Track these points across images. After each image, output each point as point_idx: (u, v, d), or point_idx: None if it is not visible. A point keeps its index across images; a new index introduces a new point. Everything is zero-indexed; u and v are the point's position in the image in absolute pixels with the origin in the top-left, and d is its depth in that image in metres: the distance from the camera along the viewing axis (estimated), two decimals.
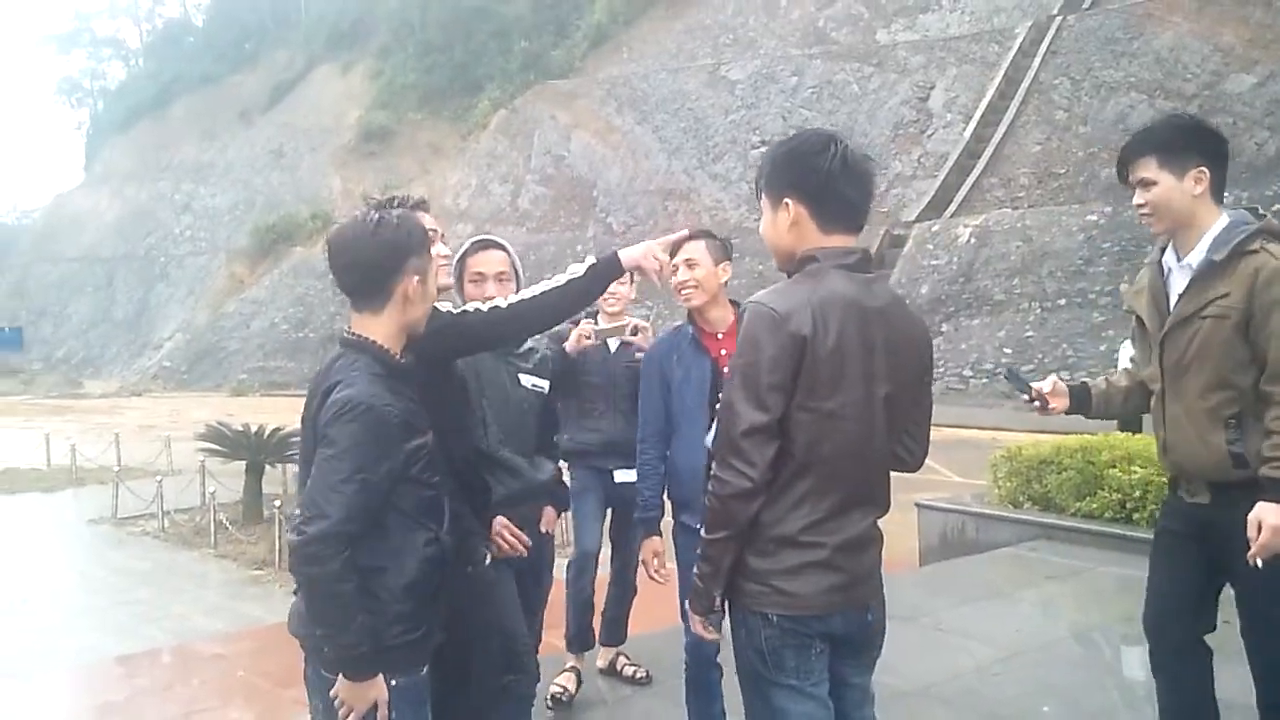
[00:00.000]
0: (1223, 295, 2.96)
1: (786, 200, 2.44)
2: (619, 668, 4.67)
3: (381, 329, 2.49)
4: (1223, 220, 3.03)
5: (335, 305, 27.91)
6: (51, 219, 49.84)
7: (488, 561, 2.98)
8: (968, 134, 23.75)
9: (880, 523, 2.52)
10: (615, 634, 4.72)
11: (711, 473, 2.37)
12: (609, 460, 4.41)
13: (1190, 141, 3.06)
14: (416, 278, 2.49)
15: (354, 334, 2.50)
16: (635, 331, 4.28)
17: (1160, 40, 22.33)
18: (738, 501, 2.32)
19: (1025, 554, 6.75)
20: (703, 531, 2.41)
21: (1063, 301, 18.05)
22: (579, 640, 4.54)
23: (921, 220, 21.86)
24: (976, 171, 22.85)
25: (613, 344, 4.40)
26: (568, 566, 4.48)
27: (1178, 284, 3.12)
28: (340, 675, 2.33)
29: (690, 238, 3.57)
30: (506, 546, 3.18)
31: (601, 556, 4.61)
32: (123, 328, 37.94)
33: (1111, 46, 23.05)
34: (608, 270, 2.85)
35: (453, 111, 36.46)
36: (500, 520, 3.20)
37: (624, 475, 4.29)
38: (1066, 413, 3.38)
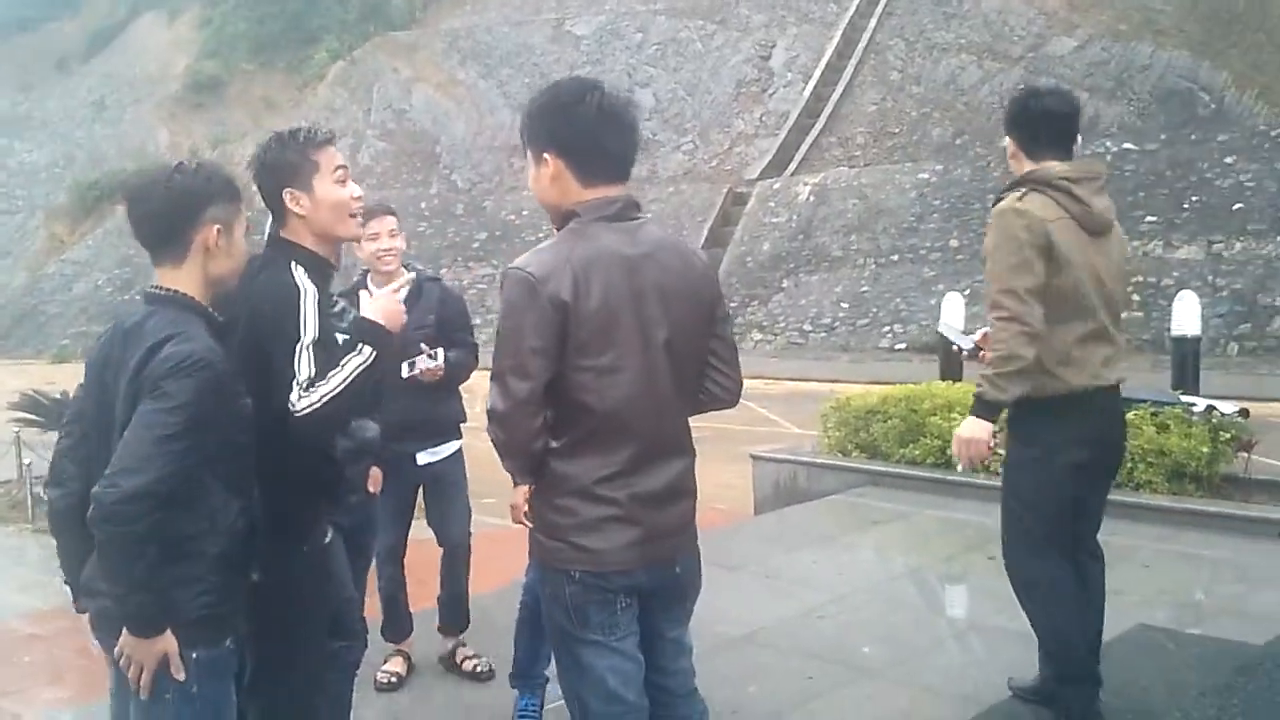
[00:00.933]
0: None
1: (545, 154, 2.42)
2: (459, 660, 4.36)
3: (184, 282, 2.40)
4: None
5: None
6: None
7: (328, 539, 2.87)
8: (807, 93, 24.13)
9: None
10: (454, 617, 4.41)
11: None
12: (409, 443, 4.11)
13: (1005, 117, 3.60)
14: (217, 228, 2.40)
15: (167, 289, 2.40)
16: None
17: (988, 3, 23.08)
18: (509, 464, 2.45)
19: (853, 500, 6.98)
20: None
21: (895, 257, 18.63)
22: (394, 631, 4.32)
23: (764, 178, 22.17)
24: (815, 130, 23.27)
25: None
26: (376, 563, 4.18)
27: None
28: (125, 632, 2.25)
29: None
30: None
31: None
32: None
33: (943, 8, 23.71)
34: (383, 346, 2.66)
35: (287, 63, 35.05)
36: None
37: (427, 456, 4.20)
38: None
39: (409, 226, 25.31)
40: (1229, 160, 16.52)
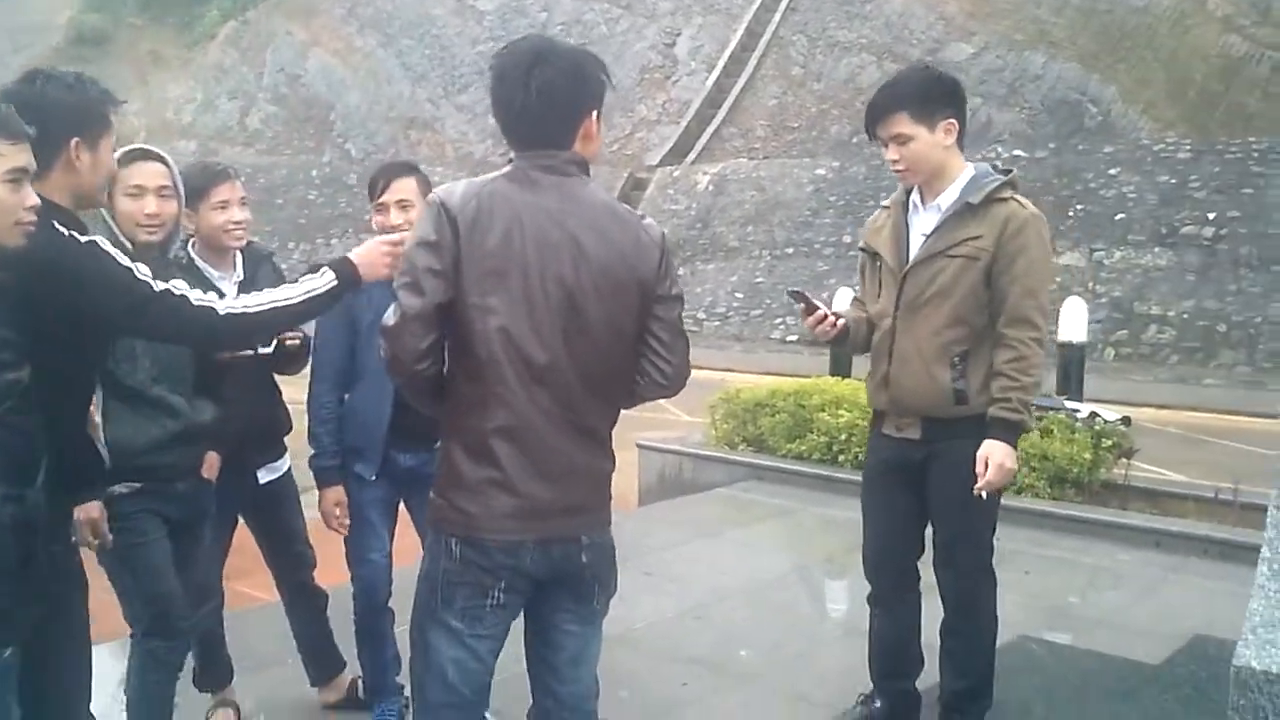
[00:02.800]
0: (975, 237, 3.06)
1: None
2: (360, 693, 3.72)
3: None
4: (970, 170, 3.16)
5: None
6: None
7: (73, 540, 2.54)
8: (710, 83, 24.10)
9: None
10: (331, 663, 3.79)
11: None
12: (253, 456, 3.54)
13: (938, 93, 3.13)
14: (76, 140, 2.28)
15: None
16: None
17: (890, 5, 23.31)
18: (400, 384, 2.41)
19: (738, 494, 6.87)
20: None
21: (790, 250, 18.71)
22: (209, 678, 3.61)
23: (664, 165, 22.08)
24: (717, 121, 23.27)
25: (229, 289, 3.41)
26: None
27: (923, 224, 3.20)
28: None
29: (398, 175, 3.39)
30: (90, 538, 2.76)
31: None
32: None
33: (846, 7, 23.88)
34: (347, 285, 2.50)
35: (177, 19, 33.69)
36: (93, 510, 2.76)
37: (269, 473, 3.59)
38: (834, 344, 3.48)
39: (299, 194, 24.70)
40: (1113, 171, 16.93)
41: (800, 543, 6.07)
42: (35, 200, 2.09)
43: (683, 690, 3.93)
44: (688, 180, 21.06)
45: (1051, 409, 6.49)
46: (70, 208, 2.38)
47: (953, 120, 3.09)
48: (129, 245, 2.96)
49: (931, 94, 3.10)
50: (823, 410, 6.87)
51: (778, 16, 24.60)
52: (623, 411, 2.41)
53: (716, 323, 18.36)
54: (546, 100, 2.23)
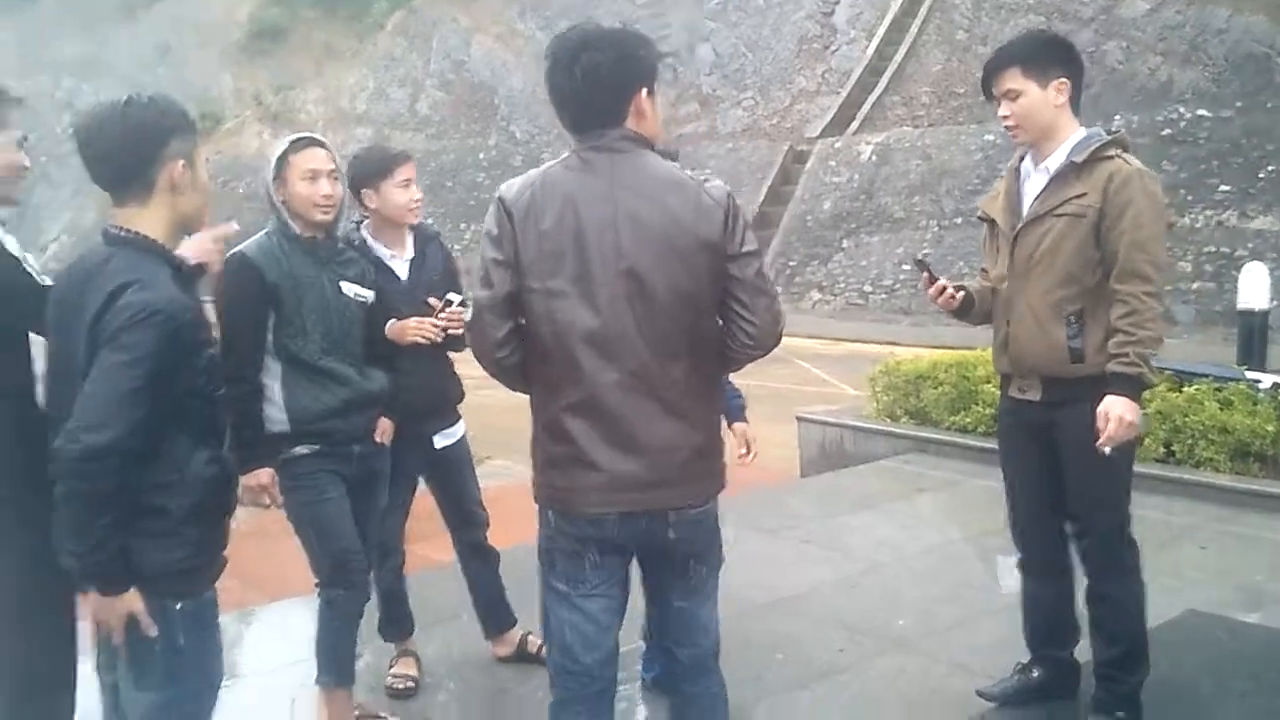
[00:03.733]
0: (1080, 195, 3.09)
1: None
2: (533, 649, 3.90)
3: (150, 223, 2.26)
4: (1080, 131, 3.19)
5: (229, 209, 27.00)
6: None
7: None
8: (870, 51, 23.58)
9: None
10: (503, 618, 3.99)
11: None
12: (428, 422, 3.75)
13: (1052, 53, 3.19)
14: (182, 162, 2.26)
15: (126, 230, 2.25)
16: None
17: None
18: (477, 360, 2.44)
19: (899, 466, 6.81)
20: None
21: (959, 220, 18.18)
22: (391, 630, 3.90)
23: (825, 137, 21.75)
24: (879, 89, 22.74)
25: (401, 268, 3.69)
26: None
27: (1034, 187, 3.26)
28: (93, 590, 2.19)
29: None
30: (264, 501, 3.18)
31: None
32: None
33: None
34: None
35: (349, 10, 34.99)
36: (262, 476, 3.14)
37: (444, 439, 3.82)
38: (957, 315, 3.45)
39: (468, 177, 25.42)
40: None
41: (962, 514, 5.98)
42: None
43: (838, 656, 3.97)
44: (850, 151, 20.71)
45: (1232, 379, 6.19)
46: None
47: (1064, 80, 3.15)
48: (296, 229, 3.23)
49: (1044, 52, 3.18)
50: (987, 382, 6.72)
51: None
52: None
53: (883, 296, 18.02)
54: (592, 82, 2.31)
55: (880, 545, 5.33)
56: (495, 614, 3.99)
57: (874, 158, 20.14)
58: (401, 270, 3.68)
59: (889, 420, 7.29)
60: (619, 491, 2.32)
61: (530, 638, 3.92)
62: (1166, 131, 16.67)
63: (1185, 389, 6.16)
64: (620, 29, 2.42)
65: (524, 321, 2.34)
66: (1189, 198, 15.56)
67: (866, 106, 22.48)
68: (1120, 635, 3.25)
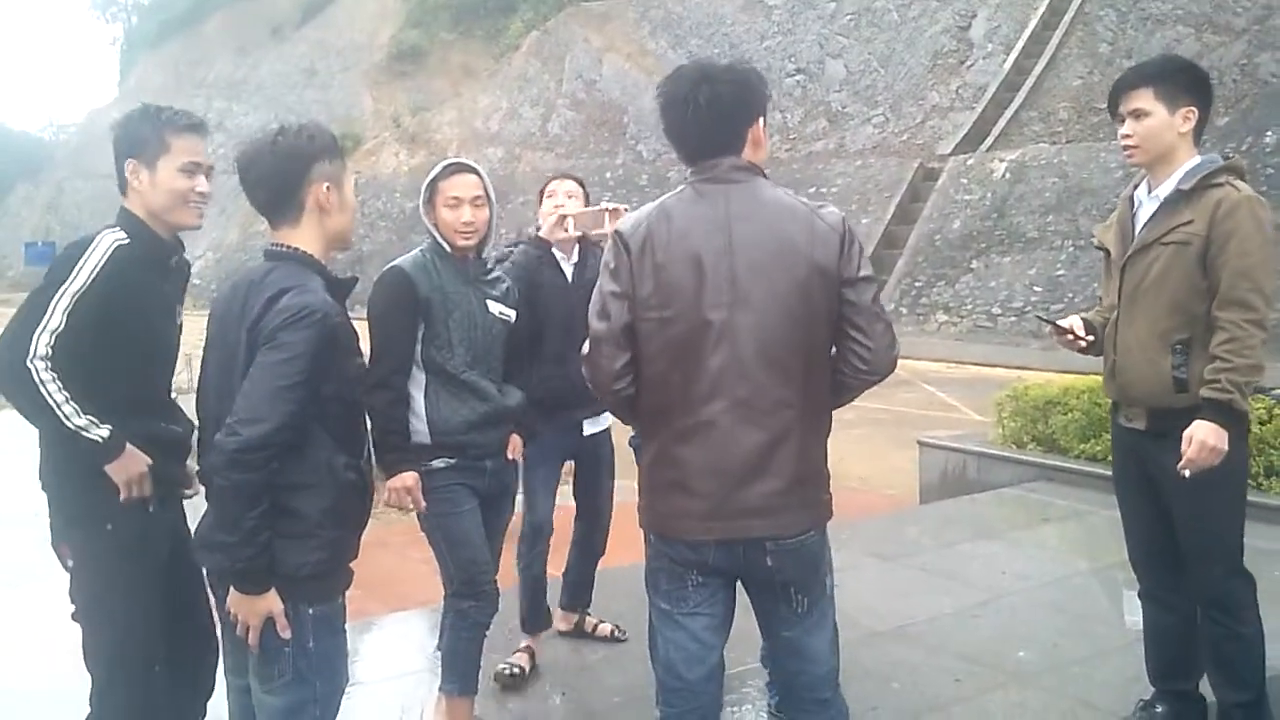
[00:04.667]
0: (1187, 222, 3.06)
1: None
2: (589, 628, 4.33)
3: (303, 240, 2.44)
4: (1196, 159, 3.15)
5: (364, 227, 27.88)
6: (86, 135, 49.87)
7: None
8: (1008, 65, 23.06)
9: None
10: (580, 597, 4.34)
11: None
12: (577, 409, 3.95)
13: (1187, 80, 3.16)
14: (327, 184, 2.44)
15: (285, 246, 2.44)
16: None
17: None
18: (594, 391, 2.50)
19: (1025, 495, 6.64)
20: None
21: (1096, 240, 17.64)
22: (533, 621, 4.10)
23: (957, 154, 21.34)
24: (1015, 104, 22.21)
25: (567, 268, 4.01)
26: (519, 540, 4.03)
27: (1145, 215, 3.23)
28: (233, 589, 2.31)
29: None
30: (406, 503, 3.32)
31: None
32: None
33: None
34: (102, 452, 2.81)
35: (485, 32, 35.93)
36: (407, 479, 3.26)
37: (593, 426, 4.07)
38: (1088, 352, 3.43)
39: (594, 196, 25.74)
40: None
41: (1088, 546, 5.80)
42: (206, 187, 2.69)
43: (955, 686, 3.90)
44: (982, 168, 20.27)
45: None
46: (150, 224, 2.78)
47: (1193, 109, 3.12)
48: (448, 248, 3.39)
49: (1180, 78, 3.15)
50: None
51: None
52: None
53: (1012, 319, 17.56)
54: (715, 110, 2.38)
55: (1002, 575, 5.20)
56: (579, 592, 4.31)
57: (1008, 175, 19.67)
58: (569, 272, 4.02)
59: (1015, 447, 7.11)
60: (718, 519, 2.36)
61: (589, 618, 4.32)
62: None
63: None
64: (736, 64, 2.48)
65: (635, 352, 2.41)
66: None
67: (1002, 122, 21.98)
68: (1239, 679, 3.15)
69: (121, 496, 2.64)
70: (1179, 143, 3.14)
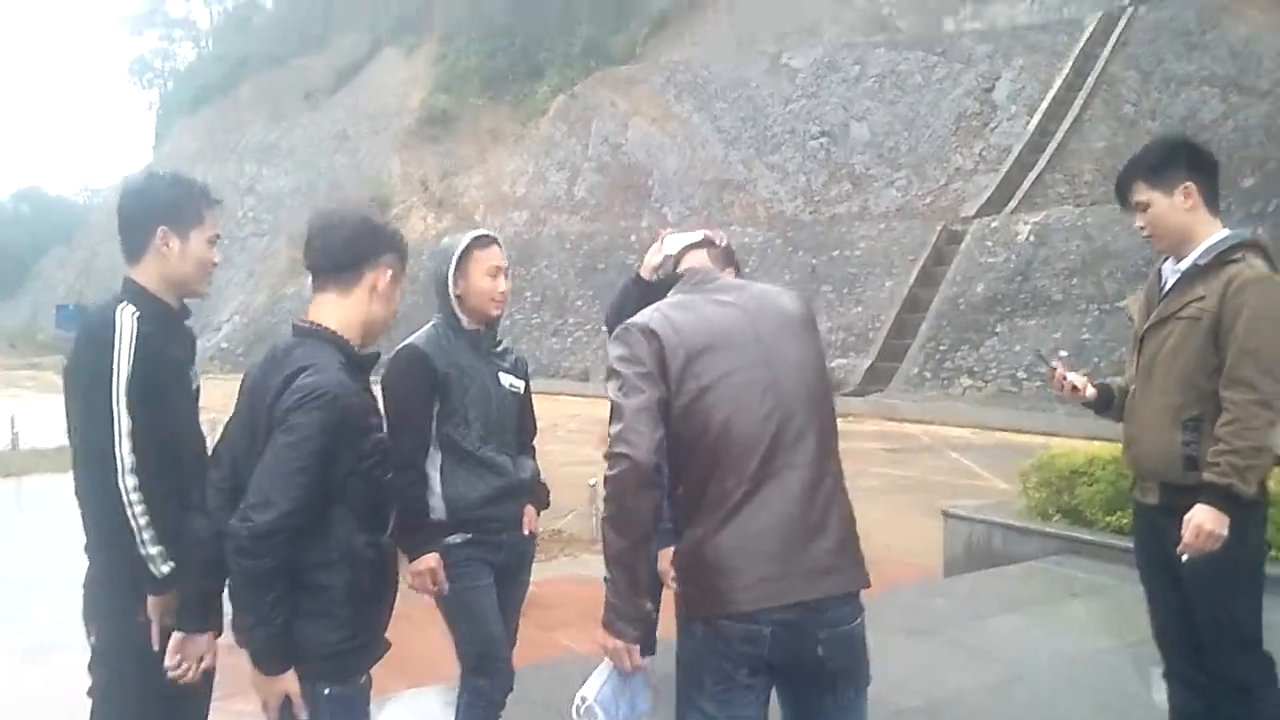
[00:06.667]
0: (1200, 298, 3.08)
1: None
2: None
3: (343, 314, 2.50)
4: (1221, 233, 3.16)
5: None
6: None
7: None
8: (1031, 127, 23.20)
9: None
10: None
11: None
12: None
13: (1173, 159, 3.20)
14: (390, 271, 2.54)
15: (312, 323, 2.50)
16: (710, 242, 3.90)
17: (1235, 33, 21.61)
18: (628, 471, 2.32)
19: (1051, 568, 6.55)
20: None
21: (1121, 304, 17.55)
22: None
23: (981, 216, 21.39)
24: (1039, 166, 22.29)
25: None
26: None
27: (1168, 287, 3.27)
28: (252, 667, 2.32)
29: (692, 246, 3.63)
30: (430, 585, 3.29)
31: None
32: None
33: (1184, 38, 22.36)
34: None
35: (514, 96, 36.45)
36: (430, 560, 3.26)
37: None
38: (1095, 410, 3.49)
39: (618, 259, 25.91)
40: None
41: (1115, 621, 5.70)
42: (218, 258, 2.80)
43: None
44: (1007, 231, 20.29)
45: None
46: (160, 293, 2.83)
47: (1190, 184, 3.14)
48: (465, 321, 3.40)
49: (1167, 160, 3.19)
50: None
51: (1107, 51, 23.34)
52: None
53: (1038, 383, 17.39)
54: None
55: (1029, 651, 5.13)
56: None
57: (1032, 238, 19.68)
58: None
59: (1040, 519, 7.03)
60: (786, 580, 2.29)
61: None
62: None
63: None
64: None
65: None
66: None
67: (1026, 185, 22.05)
68: None
69: (153, 627, 2.69)
70: (1191, 220, 3.15)
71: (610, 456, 2.32)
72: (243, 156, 43.49)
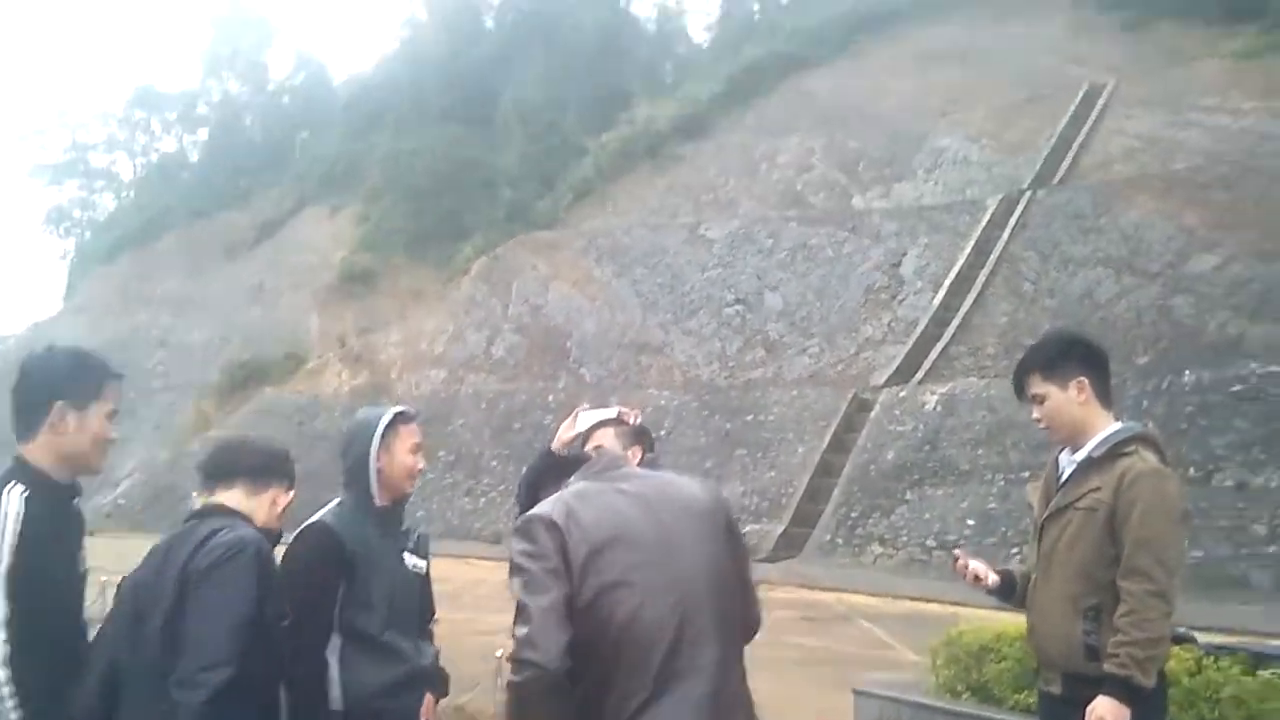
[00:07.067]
0: (1095, 489, 3.14)
1: None
2: None
3: (251, 506, 2.64)
4: (1114, 426, 3.27)
5: (301, 449, 27.62)
6: (25, 347, 49.39)
7: None
8: (937, 301, 24.07)
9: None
10: None
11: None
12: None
13: (1068, 355, 3.33)
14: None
15: (213, 503, 2.61)
16: (621, 420, 3.89)
17: (1126, 218, 22.87)
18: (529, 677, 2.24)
19: None
20: None
21: (1026, 474, 17.91)
22: None
23: (890, 385, 21.94)
24: (945, 339, 23.05)
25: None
26: None
27: (1065, 477, 3.33)
28: None
29: (601, 424, 3.73)
30: None
31: None
32: None
33: (1079, 222, 23.60)
34: None
35: (437, 257, 36.84)
36: None
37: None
38: (998, 598, 3.52)
39: (535, 419, 25.91)
40: None
41: None
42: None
43: None
44: (914, 400, 20.79)
45: None
46: (52, 470, 2.67)
47: (1083, 379, 3.25)
48: (378, 498, 3.32)
49: (1061, 355, 3.32)
50: None
51: (1007, 233, 24.49)
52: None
53: (946, 552, 17.63)
54: None
55: None
56: None
57: (939, 408, 20.16)
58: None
59: (950, 696, 6.97)
60: None
61: None
62: (1237, 388, 16.55)
63: (1261, 673, 5.83)
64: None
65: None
66: (1261, 456, 15.26)
67: (932, 356, 22.71)
68: None
69: None
70: (1084, 413, 3.25)
71: (515, 662, 2.22)
72: (157, 308, 42.99)
